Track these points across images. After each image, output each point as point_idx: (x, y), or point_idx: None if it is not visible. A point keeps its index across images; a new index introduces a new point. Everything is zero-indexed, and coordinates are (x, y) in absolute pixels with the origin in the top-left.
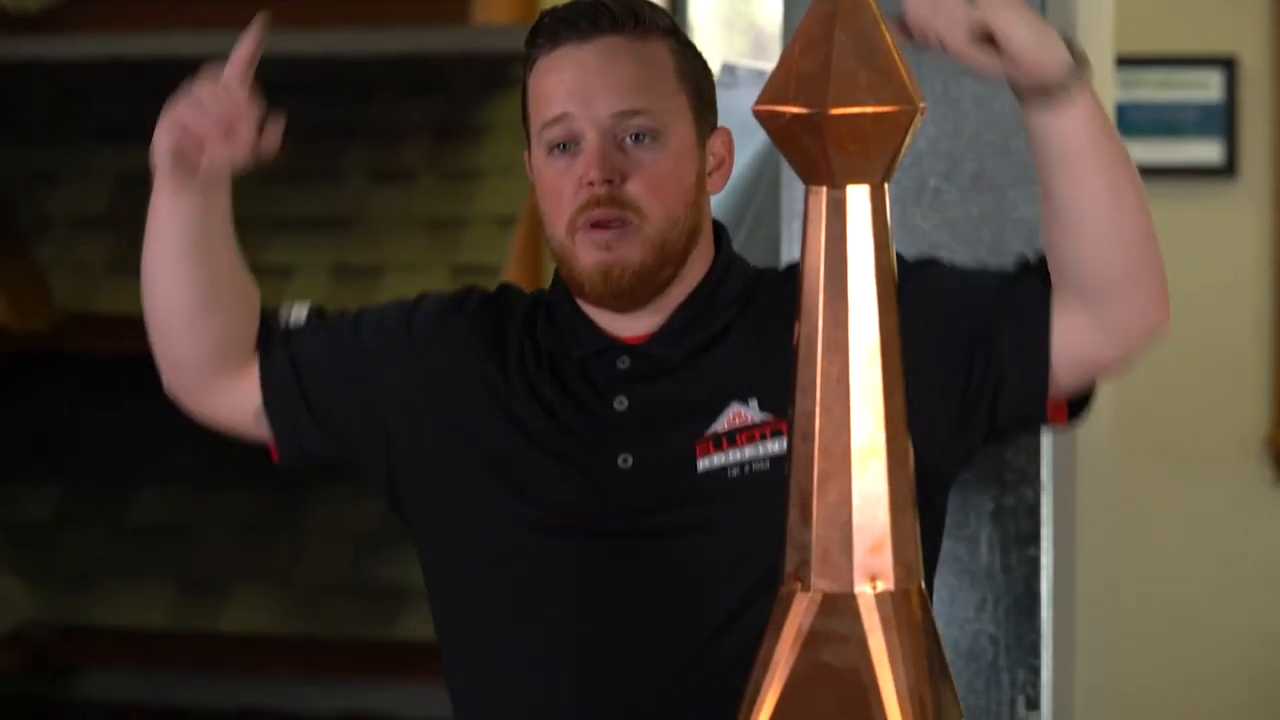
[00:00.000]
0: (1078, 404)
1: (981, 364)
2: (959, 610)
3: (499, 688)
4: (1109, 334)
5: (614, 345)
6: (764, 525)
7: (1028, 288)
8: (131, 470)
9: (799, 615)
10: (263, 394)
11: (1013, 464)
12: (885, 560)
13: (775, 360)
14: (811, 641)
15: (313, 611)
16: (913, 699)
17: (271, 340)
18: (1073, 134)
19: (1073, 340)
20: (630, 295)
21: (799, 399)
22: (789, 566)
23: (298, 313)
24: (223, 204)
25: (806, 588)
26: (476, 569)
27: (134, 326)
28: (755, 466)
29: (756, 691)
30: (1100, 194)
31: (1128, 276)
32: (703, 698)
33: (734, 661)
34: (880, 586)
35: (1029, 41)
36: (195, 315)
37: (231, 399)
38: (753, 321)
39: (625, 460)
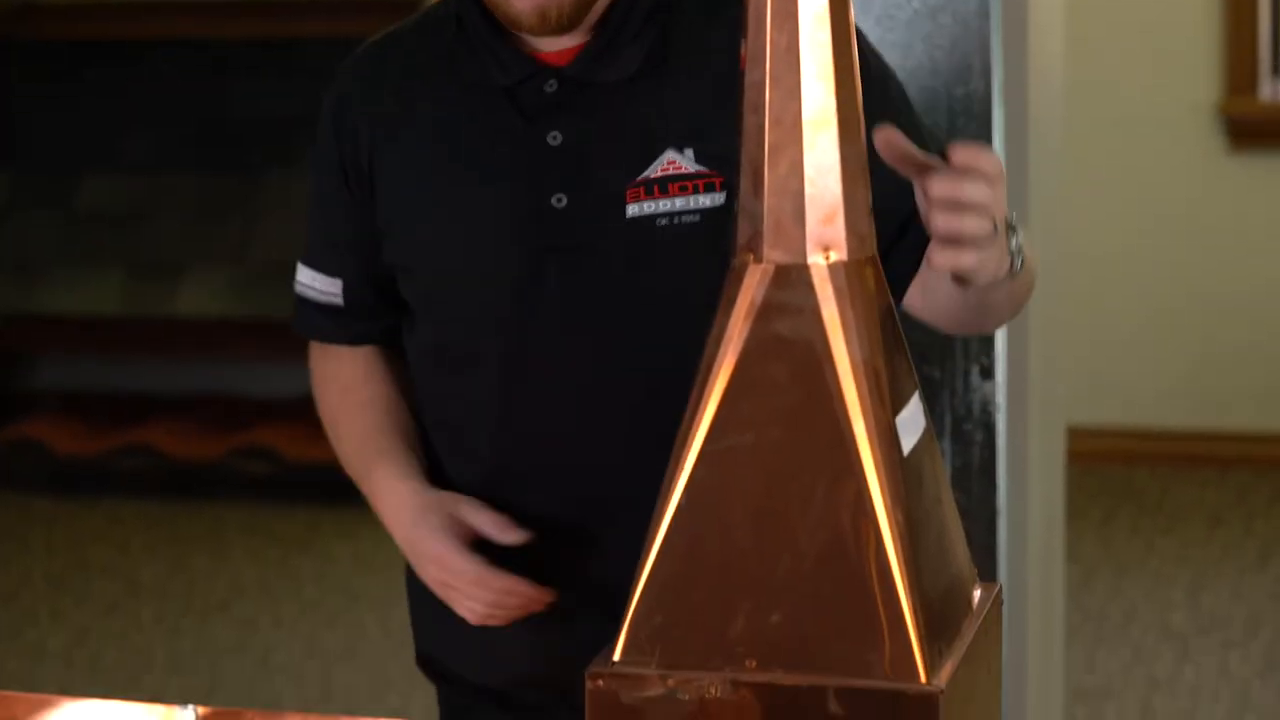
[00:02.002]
0: None
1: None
2: None
3: (454, 406)
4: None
5: (540, 69)
6: (687, 277)
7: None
8: (80, 155)
9: (751, 288)
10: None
11: (964, 132)
12: (838, 230)
13: (716, 103)
14: (764, 313)
15: (266, 293)
16: (866, 370)
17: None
18: (994, 299)
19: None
20: (570, 27)
21: (749, 71)
22: (740, 239)
23: (309, 280)
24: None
25: (759, 260)
26: (432, 303)
27: (84, 11)
28: (684, 219)
29: (710, 365)
30: (988, 322)
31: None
32: (631, 427)
33: (645, 395)
34: (833, 257)
35: (982, 280)
36: None
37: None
38: (687, 49)
39: (559, 200)
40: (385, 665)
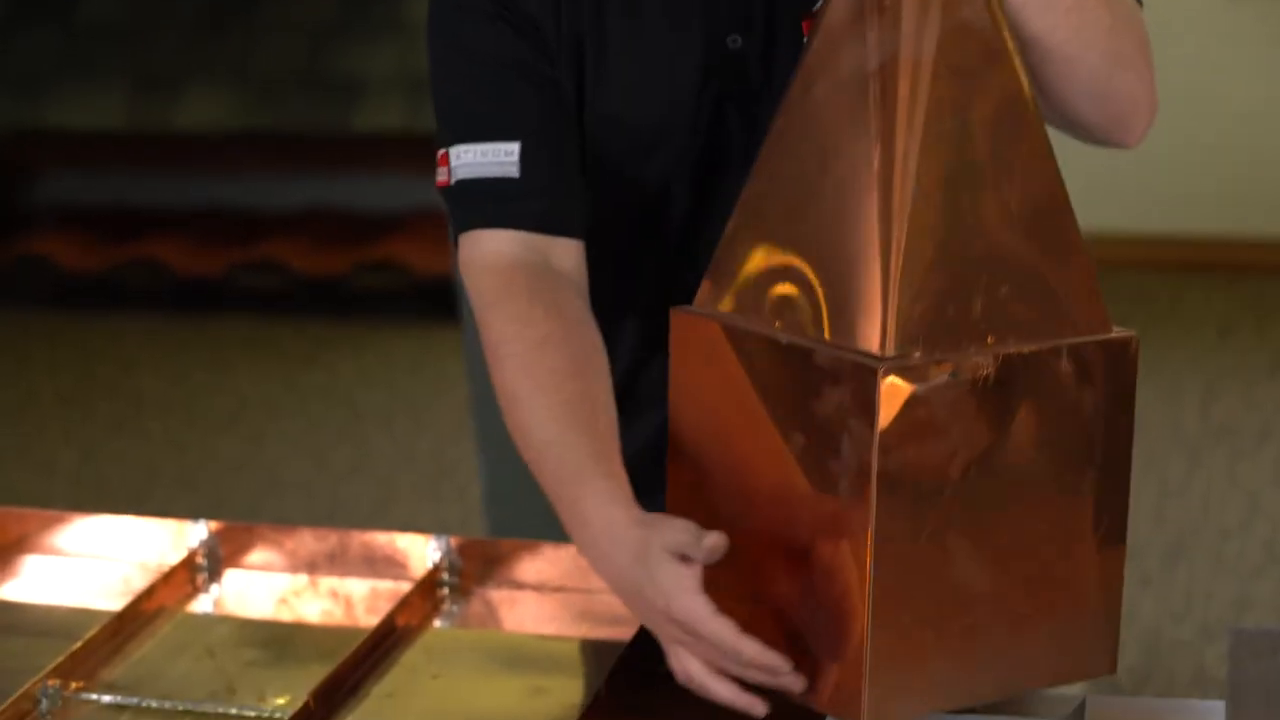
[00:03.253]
0: None
1: None
2: None
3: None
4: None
5: None
6: None
7: None
8: None
9: None
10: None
11: None
12: None
13: None
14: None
15: (269, 106)
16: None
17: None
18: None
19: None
20: None
21: None
22: None
23: (472, 159)
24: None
25: None
26: (610, 154)
27: None
28: None
29: (897, 60)
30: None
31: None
32: None
33: None
34: None
35: None
36: None
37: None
38: None
39: (734, 41)
40: (392, 479)
